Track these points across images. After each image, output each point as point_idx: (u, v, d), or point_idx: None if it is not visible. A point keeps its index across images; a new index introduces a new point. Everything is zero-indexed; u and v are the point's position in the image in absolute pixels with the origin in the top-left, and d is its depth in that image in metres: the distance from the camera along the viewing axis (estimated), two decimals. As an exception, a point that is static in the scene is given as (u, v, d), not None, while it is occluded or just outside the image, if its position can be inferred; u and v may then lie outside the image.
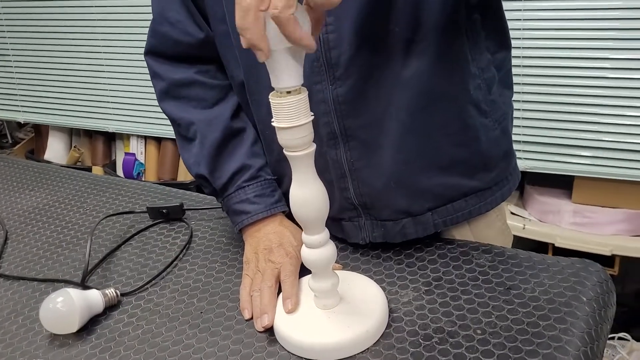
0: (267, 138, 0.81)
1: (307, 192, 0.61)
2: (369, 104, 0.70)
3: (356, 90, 0.70)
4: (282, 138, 0.58)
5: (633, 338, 1.55)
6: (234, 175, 0.80)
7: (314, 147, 0.60)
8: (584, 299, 0.67)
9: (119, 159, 2.25)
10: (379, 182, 0.74)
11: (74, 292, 0.71)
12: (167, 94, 0.82)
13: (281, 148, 0.58)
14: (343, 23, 0.66)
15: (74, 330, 0.71)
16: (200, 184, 0.84)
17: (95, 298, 0.73)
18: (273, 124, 0.58)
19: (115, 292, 0.75)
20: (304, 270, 0.71)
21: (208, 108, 0.81)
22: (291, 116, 0.56)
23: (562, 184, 1.53)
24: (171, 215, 0.94)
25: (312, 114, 0.58)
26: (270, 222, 0.79)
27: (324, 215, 0.62)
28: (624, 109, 1.43)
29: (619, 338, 1.57)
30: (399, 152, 0.72)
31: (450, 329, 0.65)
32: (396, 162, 0.73)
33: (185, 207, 0.95)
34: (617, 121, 1.44)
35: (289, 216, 0.78)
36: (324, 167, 0.70)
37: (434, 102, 0.71)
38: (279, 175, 0.83)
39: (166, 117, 0.84)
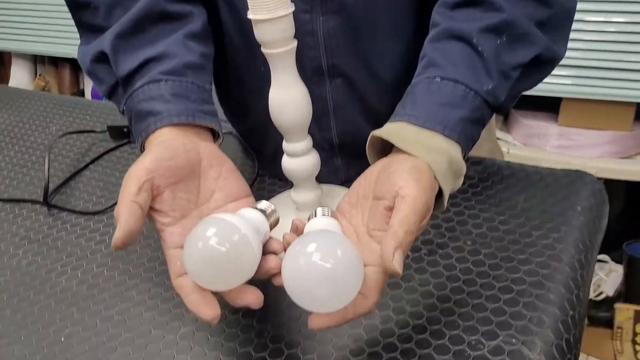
0: (262, 133, 0.72)
1: (288, 94, 0.56)
2: (363, 46, 0.64)
3: (350, 27, 0.62)
4: (259, 32, 0.52)
5: (612, 260, 1.57)
6: (148, 61, 0.57)
7: (295, 43, 0.54)
8: (579, 208, 0.65)
9: (87, 88, 2.15)
10: (363, 121, 0.69)
11: (237, 222, 0.45)
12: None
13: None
14: None
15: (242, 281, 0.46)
16: (92, 75, 0.62)
17: (260, 222, 0.49)
18: (249, 16, 0.52)
19: (273, 208, 0.52)
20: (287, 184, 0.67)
21: None
22: (269, 5, 0.50)
23: (548, 107, 1.49)
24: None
25: (293, 5, 0.52)
26: (184, 134, 0.54)
27: (307, 120, 0.58)
28: (609, 25, 1.38)
29: (598, 260, 1.58)
30: (388, 96, 0.67)
31: (439, 240, 0.63)
32: (384, 104, 0.68)
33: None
34: (603, 38, 1.39)
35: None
36: None
37: None
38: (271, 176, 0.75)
39: None
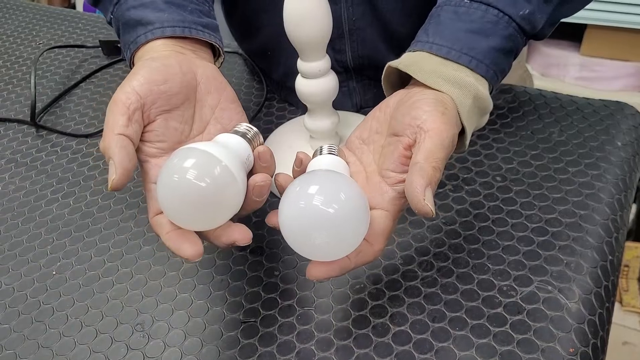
0: (271, 54, 0.65)
1: (307, 6, 0.48)
2: None
3: None
4: None
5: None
6: None
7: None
8: (619, 143, 0.59)
9: (79, 2, 2.03)
10: (382, 45, 0.62)
11: (213, 150, 0.39)
12: None
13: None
14: None
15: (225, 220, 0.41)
16: None
17: (242, 149, 0.42)
18: None
19: (255, 131, 0.45)
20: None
21: None
22: None
23: (572, 35, 1.40)
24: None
25: None
26: (180, 50, 0.47)
27: (327, 35, 0.50)
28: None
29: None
30: (412, 18, 0.59)
31: (465, 175, 0.57)
32: (406, 27, 0.61)
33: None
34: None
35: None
36: None
37: None
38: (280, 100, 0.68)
39: None
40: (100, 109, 0.72)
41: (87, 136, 0.67)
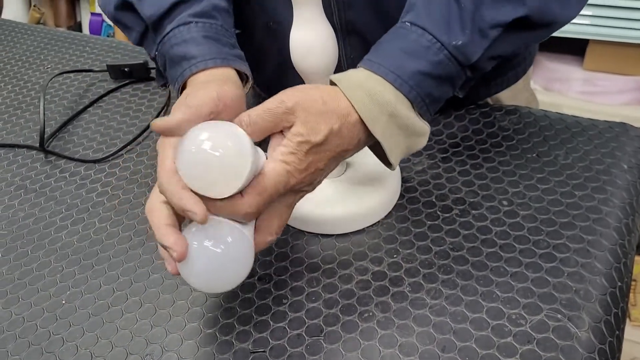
0: (275, 88, 0.67)
1: (313, 36, 0.49)
2: (379, 2, 0.58)
3: None
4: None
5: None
6: (176, 5, 0.54)
7: (321, -25, 0.47)
8: (625, 166, 0.59)
9: (85, 21, 2.05)
10: None
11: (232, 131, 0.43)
12: None
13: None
14: None
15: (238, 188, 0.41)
16: (119, 23, 0.59)
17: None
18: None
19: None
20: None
21: None
22: None
23: (573, 50, 1.41)
24: (135, 74, 0.81)
25: None
26: (217, 78, 0.51)
27: (332, 66, 0.51)
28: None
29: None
30: None
31: (472, 200, 0.57)
32: None
33: (151, 66, 0.82)
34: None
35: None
36: None
37: None
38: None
39: None
40: (108, 133, 0.73)
41: (95, 161, 0.68)
